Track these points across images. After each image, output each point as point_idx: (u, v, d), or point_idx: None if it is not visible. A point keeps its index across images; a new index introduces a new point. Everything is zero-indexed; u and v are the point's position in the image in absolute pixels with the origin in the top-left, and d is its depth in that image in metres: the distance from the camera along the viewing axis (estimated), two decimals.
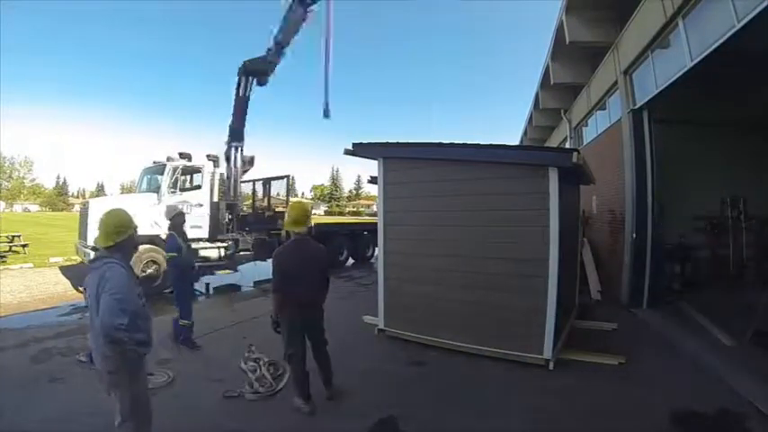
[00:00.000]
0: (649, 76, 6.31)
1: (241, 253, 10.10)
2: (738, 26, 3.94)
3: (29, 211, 59.42)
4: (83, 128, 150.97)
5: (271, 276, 3.37)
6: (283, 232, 4.17)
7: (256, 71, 9.67)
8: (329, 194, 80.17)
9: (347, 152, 5.41)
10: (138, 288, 2.19)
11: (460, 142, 4.65)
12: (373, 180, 5.74)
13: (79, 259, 9.33)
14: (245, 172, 10.32)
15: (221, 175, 10.00)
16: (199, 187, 9.29)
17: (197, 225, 9.04)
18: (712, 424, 3.09)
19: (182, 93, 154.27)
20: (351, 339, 5.04)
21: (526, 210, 4.17)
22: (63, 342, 4.81)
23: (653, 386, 3.69)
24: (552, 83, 11.37)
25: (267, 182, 11.04)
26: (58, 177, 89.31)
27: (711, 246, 8.12)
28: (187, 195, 8.82)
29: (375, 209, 5.79)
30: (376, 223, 5.36)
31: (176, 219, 5.02)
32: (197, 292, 8.79)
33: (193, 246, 8.69)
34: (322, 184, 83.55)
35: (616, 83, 7.57)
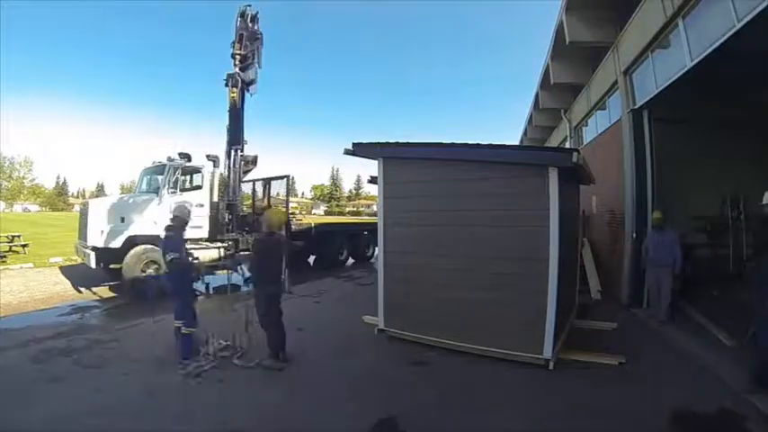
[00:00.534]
0: (649, 76, 6.31)
1: (241, 253, 10.10)
2: (738, 26, 3.94)
3: (29, 211, 59.37)
4: (83, 128, 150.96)
5: None
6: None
7: (239, 79, 9.48)
8: (329, 194, 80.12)
9: (347, 152, 5.41)
10: None
11: (460, 142, 4.65)
12: (373, 180, 5.74)
13: (79, 259, 9.32)
14: (247, 172, 10.30)
15: (221, 175, 10.00)
16: (199, 187, 9.29)
17: (197, 225, 9.03)
18: (712, 424, 3.09)
19: (182, 93, 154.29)
20: (351, 339, 5.05)
21: (526, 210, 4.17)
22: (63, 342, 4.81)
23: (653, 386, 3.69)
24: (552, 83, 11.37)
25: (267, 182, 11.03)
26: (58, 177, 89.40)
27: (711, 245, 8.12)
28: (187, 195, 8.81)
29: (375, 209, 5.82)
30: (376, 223, 5.36)
31: (179, 220, 4.60)
32: (196, 293, 8.80)
33: (190, 246, 8.72)
34: (322, 184, 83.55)
35: (616, 83, 7.57)
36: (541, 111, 14.49)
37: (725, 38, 4.18)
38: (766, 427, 2.98)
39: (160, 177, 8.66)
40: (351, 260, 12.70)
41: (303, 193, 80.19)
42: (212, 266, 9.50)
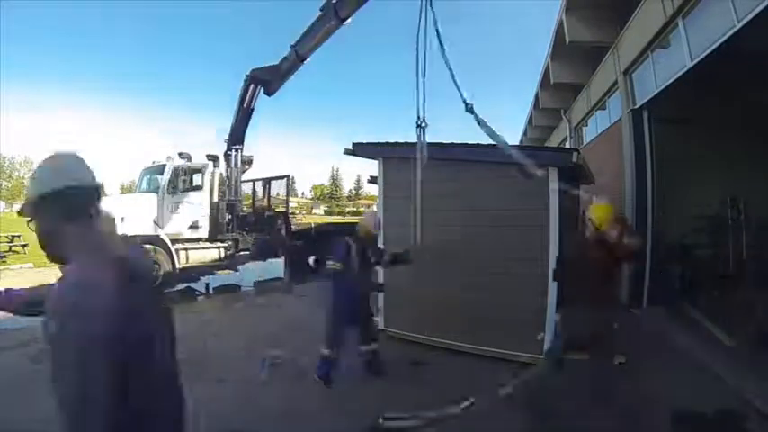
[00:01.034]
0: (649, 76, 6.32)
1: (241, 253, 10.11)
2: (738, 26, 3.95)
3: None
4: (83, 127, 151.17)
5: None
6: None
7: (265, 81, 9.37)
8: (329, 194, 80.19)
9: (347, 152, 5.41)
10: None
11: (460, 142, 4.65)
12: (373, 180, 5.74)
13: None
14: (243, 172, 10.33)
15: (221, 174, 10.02)
16: (199, 187, 9.30)
17: (197, 225, 9.05)
18: (712, 424, 3.09)
19: (182, 93, 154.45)
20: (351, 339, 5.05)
21: (526, 210, 4.18)
22: None
23: (653, 386, 3.69)
24: (552, 83, 11.38)
25: (267, 182, 11.05)
26: None
27: (711, 245, 8.12)
28: (187, 195, 8.82)
29: (375, 209, 5.81)
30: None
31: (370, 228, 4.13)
32: (196, 293, 8.81)
33: (190, 246, 8.74)
34: (322, 184, 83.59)
35: (616, 83, 7.57)
36: (541, 111, 14.50)
37: (725, 38, 4.19)
38: (766, 427, 2.98)
39: (160, 177, 8.66)
40: None
41: (303, 193, 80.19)
42: (213, 266, 9.55)
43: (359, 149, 5.35)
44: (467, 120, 2.82)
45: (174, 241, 8.41)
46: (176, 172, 8.68)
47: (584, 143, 10.67)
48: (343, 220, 20.20)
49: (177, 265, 8.39)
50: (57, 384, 0.98)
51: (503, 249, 4.29)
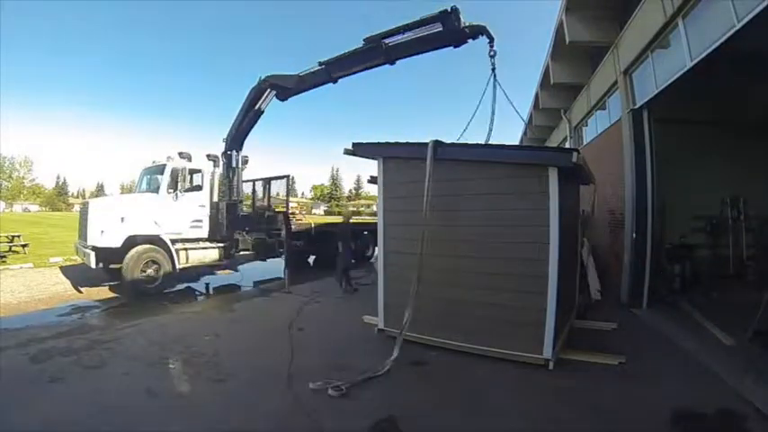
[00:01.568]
0: (649, 76, 6.31)
1: (241, 253, 10.11)
2: (738, 26, 3.94)
3: (29, 211, 59.39)
4: (83, 127, 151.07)
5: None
6: None
7: (283, 88, 9.28)
8: (329, 194, 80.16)
9: (347, 152, 5.40)
10: None
11: (460, 142, 4.65)
12: (373, 180, 5.74)
13: (79, 259, 9.33)
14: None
15: (221, 174, 10.02)
16: (199, 187, 9.30)
17: (197, 225, 9.05)
18: (712, 424, 3.09)
19: (182, 92, 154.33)
20: (351, 339, 5.06)
21: (526, 209, 4.17)
22: (63, 342, 4.81)
23: (653, 386, 3.69)
24: (552, 83, 11.37)
25: (267, 182, 11.05)
26: (58, 177, 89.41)
27: (711, 245, 8.13)
28: (187, 195, 8.82)
29: (375, 209, 5.82)
30: (376, 223, 5.36)
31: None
32: (196, 293, 8.81)
33: (190, 246, 8.74)
34: (322, 184, 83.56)
35: (616, 83, 7.57)
36: (541, 111, 14.49)
37: (725, 38, 4.18)
38: (766, 427, 2.98)
39: (160, 177, 8.66)
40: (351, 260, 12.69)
41: (303, 194, 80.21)
42: (213, 266, 9.55)
43: (359, 149, 5.34)
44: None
45: (173, 241, 8.42)
46: (176, 172, 8.67)
47: (584, 143, 10.66)
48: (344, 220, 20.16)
49: (177, 265, 8.40)
50: None
51: (502, 249, 4.28)
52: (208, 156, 9.82)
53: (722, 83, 6.11)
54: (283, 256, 9.44)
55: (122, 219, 7.97)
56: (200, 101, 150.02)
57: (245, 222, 10.30)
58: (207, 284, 9.42)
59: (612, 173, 7.65)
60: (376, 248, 8.94)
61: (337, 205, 72.87)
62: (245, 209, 10.70)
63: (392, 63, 8.06)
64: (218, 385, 3.71)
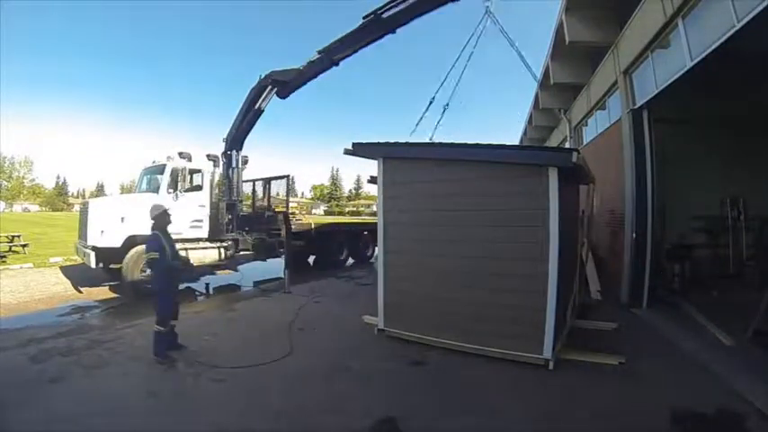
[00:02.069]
0: (649, 76, 6.31)
1: (241, 253, 10.11)
2: (738, 26, 3.94)
3: (29, 211, 59.39)
4: (83, 127, 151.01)
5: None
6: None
7: (283, 82, 9.25)
8: (329, 194, 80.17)
9: (347, 152, 5.40)
10: None
11: (460, 142, 4.65)
12: (373, 180, 5.74)
13: (79, 259, 9.33)
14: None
15: (221, 174, 10.02)
16: (199, 187, 9.29)
17: (197, 225, 9.05)
18: (712, 424, 3.09)
19: (182, 92, 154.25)
20: (351, 339, 5.06)
21: (526, 209, 4.16)
22: (63, 342, 4.81)
23: (653, 386, 3.69)
24: (552, 83, 11.37)
25: (267, 182, 11.05)
26: (58, 177, 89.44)
27: (711, 245, 8.13)
28: (187, 195, 8.82)
29: (375, 209, 5.82)
30: (376, 223, 5.36)
31: (160, 218, 4.56)
32: (196, 293, 8.81)
33: (190, 246, 8.73)
34: (322, 184, 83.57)
35: (616, 83, 7.57)
36: (541, 111, 14.49)
37: (725, 38, 4.18)
38: (766, 427, 2.98)
39: (160, 177, 8.66)
40: (350, 260, 12.71)
41: (303, 193, 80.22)
42: (213, 266, 9.54)
43: (359, 149, 5.34)
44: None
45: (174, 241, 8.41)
46: (176, 172, 8.67)
47: (584, 143, 10.67)
48: (344, 220, 20.19)
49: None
50: None
51: (502, 249, 4.29)
52: (208, 156, 9.82)
53: (722, 83, 6.11)
54: (283, 256, 9.44)
55: (122, 219, 7.97)
56: (200, 100, 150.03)
57: (244, 222, 10.30)
58: (207, 284, 9.42)
59: (612, 173, 7.65)
60: (376, 248, 8.94)
61: (337, 205, 72.92)
62: (245, 209, 10.70)
63: (393, 32, 8.08)
64: (217, 385, 3.71)
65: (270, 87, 9.34)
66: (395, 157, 5.15)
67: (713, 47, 4.40)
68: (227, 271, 10.09)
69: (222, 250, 9.31)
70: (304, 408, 3.31)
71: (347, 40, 8.44)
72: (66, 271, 10.27)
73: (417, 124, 7.33)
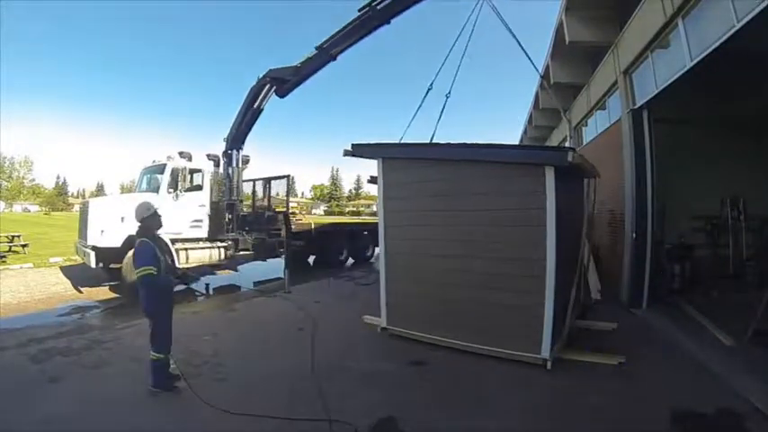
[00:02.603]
0: (649, 76, 6.31)
1: (241, 253, 10.11)
2: (738, 26, 3.94)
3: (29, 211, 59.34)
4: (83, 127, 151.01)
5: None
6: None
7: (282, 80, 9.24)
8: (329, 194, 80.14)
9: (347, 153, 5.41)
10: None
11: (459, 142, 4.65)
12: (373, 180, 5.74)
13: (79, 259, 9.33)
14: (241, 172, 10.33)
15: (221, 174, 10.01)
16: (199, 187, 9.29)
17: (197, 225, 9.05)
18: (712, 424, 3.09)
19: (181, 92, 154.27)
20: (351, 338, 5.06)
21: (523, 209, 4.16)
22: (63, 342, 4.81)
23: (653, 386, 3.69)
24: (552, 82, 11.37)
25: (267, 182, 11.05)
26: (58, 177, 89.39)
27: (711, 245, 8.12)
28: (188, 195, 8.82)
29: (375, 209, 5.83)
30: (376, 223, 5.36)
31: (150, 221, 3.78)
32: (196, 293, 8.80)
33: (190, 246, 8.71)
34: (322, 184, 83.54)
35: (616, 83, 7.56)
36: (541, 110, 14.50)
37: (725, 38, 4.18)
38: (766, 427, 2.98)
39: (160, 177, 8.66)
40: (351, 261, 12.70)
41: (303, 193, 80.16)
42: (213, 266, 9.55)
43: (358, 150, 5.34)
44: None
45: (173, 241, 8.41)
46: (176, 172, 8.66)
47: (584, 143, 10.67)
48: (344, 220, 20.19)
49: (177, 265, 8.39)
50: None
51: (501, 249, 4.28)
52: (208, 155, 9.82)
53: (722, 83, 6.11)
54: (283, 256, 9.43)
55: (122, 218, 7.97)
56: (199, 100, 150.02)
57: (244, 222, 10.29)
58: (207, 285, 9.42)
59: (612, 173, 7.64)
60: (376, 249, 8.92)
61: (337, 205, 72.90)
62: (245, 209, 10.69)
63: (388, 23, 8.15)
64: (217, 385, 3.71)
65: (268, 86, 9.33)
66: (394, 158, 5.15)
67: (713, 47, 4.40)
68: (227, 271, 10.08)
69: (222, 250, 9.31)
70: (303, 407, 3.31)
71: (343, 33, 8.49)
72: (67, 271, 10.27)
73: (414, 116, 7.28)
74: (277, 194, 10.95)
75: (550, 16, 10.37)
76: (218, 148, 10.06)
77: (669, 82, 5.54)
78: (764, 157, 7.76)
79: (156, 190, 8.55)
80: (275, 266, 10.07)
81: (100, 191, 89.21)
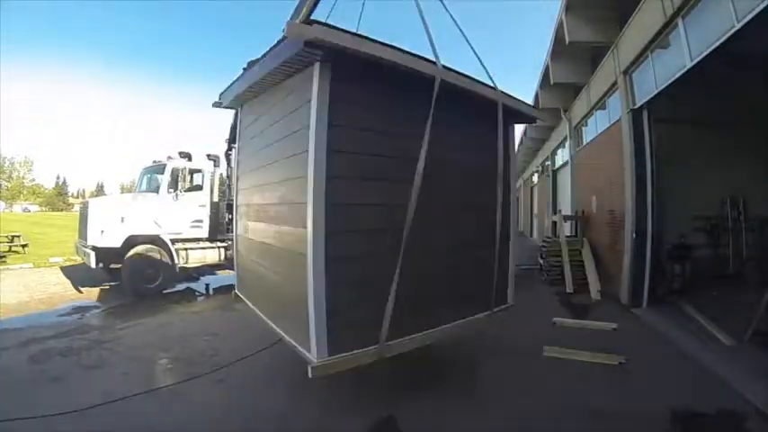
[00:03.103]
0: (649, 76, 6.31)
1: None
2: (738, 26, 3.94)
3: (29, 211, 59.34)
4: (83, 127, 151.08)
5: None
6: None
7: None
8: None
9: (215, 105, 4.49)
10: None
11: None
12: None
13: (79, 259, 9.32)
14: None
15: (221, 174, 9.99)
16: (199, 187, 9.28)
17: (197, 225, 9.04)
18: (712, 424, 3.10)
19: (181, 92, 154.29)
20: None
21: (289, 135, 2.77)
22: (63, 342, 4.81)
23: (653, 386, 3.69)
24: (552, 82, 11.37)
25: None
26: (58, 177, 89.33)
27: (711, 245, 8.12)
28: (188, 195, 8.82)
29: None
30: None
31: None
32: (196, 293, 8.81)
33: (190, 246, 8.71)
34: None
35: (616, 83, 7.57)
36: (541, 110, 14.47)
37: (724, 38, 4.18)
38: (766, 427, 2.98)
39: (160, 177, 8.65)
40: None
41: None
42: (213, 266, 9.53)
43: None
44: None
45: (174, 241, 8.41)
46: (176, 171, 8.65)
47: (584, 143, 10.67)
48: None
49: (177, 265, 8.39)
50: None
51: (278, 209, 3.15)
52: (208, 155, 9.80)
53: (722, 83, 6.11)
54: None
55: (122, 218, 7.96)
56: (200, 100, 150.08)
57: None
58: (207, 285, 9.41)
59: (612, 173, 7.65)
60: None
61: None
62: None
63: None
64: (217, 385, 3.71)
65: None
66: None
67: (713, 47, 4.40)
68: (227, 271, 10.07)
69: (222, 250, 9.29)
70: (301, 407, 3.31)
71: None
72: (67, 271, 10.26)
73: None
74: None
75: (550, 16, 10.39)
76: (219, 147, 10.06)
77: (669, 82, 5.54)
78: (764, 157, 7.76)
79: (156, 190, 8.55)
80: None
81: (100, 191, 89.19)
